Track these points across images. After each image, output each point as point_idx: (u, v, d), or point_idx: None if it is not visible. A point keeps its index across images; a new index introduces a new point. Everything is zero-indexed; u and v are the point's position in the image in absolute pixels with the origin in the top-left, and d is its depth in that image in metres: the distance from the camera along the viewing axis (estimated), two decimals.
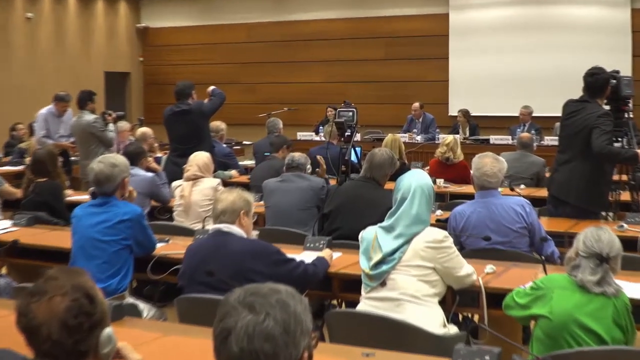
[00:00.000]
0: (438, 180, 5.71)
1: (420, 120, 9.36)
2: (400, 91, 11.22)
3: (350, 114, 4.79)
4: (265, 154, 6.34)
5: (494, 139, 8.42)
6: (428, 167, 6.47)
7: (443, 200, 5.41)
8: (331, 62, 11.75)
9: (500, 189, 3.47)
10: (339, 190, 3.89)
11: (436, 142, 8.36)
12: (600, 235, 2.22)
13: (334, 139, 6.35)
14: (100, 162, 3.18)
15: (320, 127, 9.27)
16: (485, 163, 3.39)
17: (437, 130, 9.11)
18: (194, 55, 12.60)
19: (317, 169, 5.04)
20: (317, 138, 9.11)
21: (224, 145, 7.05)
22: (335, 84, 11.62)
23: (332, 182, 4.99)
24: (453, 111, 10.47)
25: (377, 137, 8.95)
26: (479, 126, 9.37)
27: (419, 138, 8.88)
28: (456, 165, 6.07)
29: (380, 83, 11.41)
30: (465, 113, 9.36)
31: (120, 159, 3.25)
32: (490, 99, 10.58)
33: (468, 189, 5.35)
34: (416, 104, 9.37)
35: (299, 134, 9.36)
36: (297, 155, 4.57)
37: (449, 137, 6.24)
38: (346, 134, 4.73)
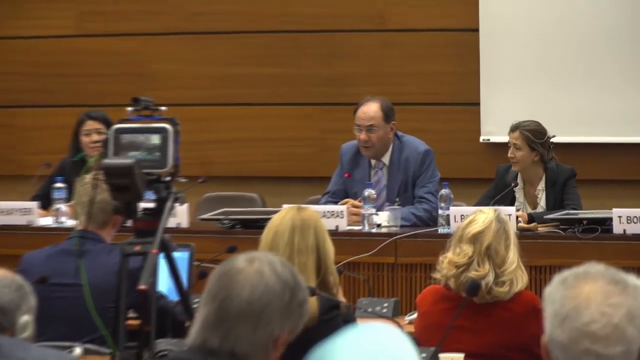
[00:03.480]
0: (443, 357, 5.87)
1: (387, 159, 9.78)
2: (316, 67, 11.79)
3: (157, 140, 4.90)
4: None
5: (622, 216, 8.81)
6: (414, 314, 6.66)
7: None
8: None
9: None
10: None
11: (439, 229, 8.71)
12: None
13: (100, 222, 6.44)
14: None
15: (56, 186, 9.38)
16: (587, 299, 3.51)
17: (445, 191, 9.37)
18: None
19: None
20: (48, 221, 9.35)
21: None
22: (100, 40, 12.22)
23: None
24: (496, 130, 11.13)
25: (246, 218, 9.25)
26: (575, 177, 9.77)
27: (380, 218, 9.26)
28: (504, 307, 6.30)
29: (249, 36, 12.04)
30: (532, 135, 9.69)
31: None
32: (604, 94, 11.17)
33: None
34: (372, 107, 9.75)
35: None
36: None
37: (483, 215, 6.43)
38: (143, 205, 4.83)
